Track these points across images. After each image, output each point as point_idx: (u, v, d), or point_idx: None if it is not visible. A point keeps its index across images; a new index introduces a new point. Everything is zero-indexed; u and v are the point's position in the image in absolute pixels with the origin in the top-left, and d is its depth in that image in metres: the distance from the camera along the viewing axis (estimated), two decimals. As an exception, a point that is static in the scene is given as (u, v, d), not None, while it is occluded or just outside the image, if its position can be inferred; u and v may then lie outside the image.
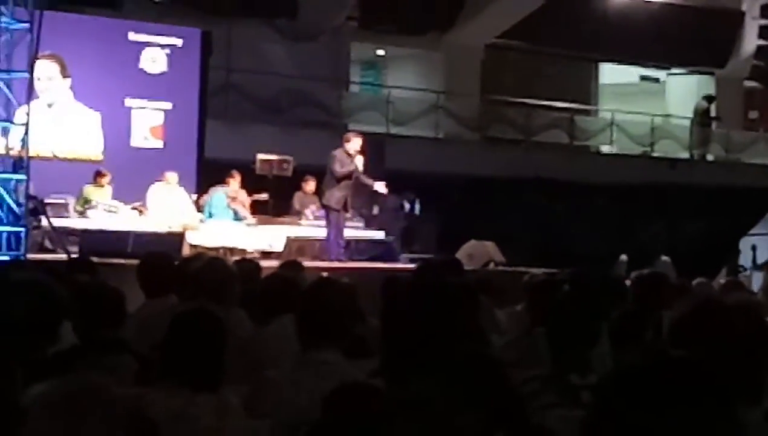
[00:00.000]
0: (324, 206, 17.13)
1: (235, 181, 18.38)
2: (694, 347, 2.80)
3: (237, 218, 18.03)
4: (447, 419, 3.03)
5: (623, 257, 22.71)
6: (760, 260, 23.71)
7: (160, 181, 18.10)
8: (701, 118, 30.36)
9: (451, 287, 4.21)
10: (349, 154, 16.58)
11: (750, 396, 2.89)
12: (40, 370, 4.59)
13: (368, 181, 16.98)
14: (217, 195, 18.27)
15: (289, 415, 4.18)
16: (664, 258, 22.45)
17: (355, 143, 16.69)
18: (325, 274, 7.23)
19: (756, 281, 23.05)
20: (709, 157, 30.99)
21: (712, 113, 30.48)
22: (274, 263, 12.71)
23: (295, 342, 4.89)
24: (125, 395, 1.92)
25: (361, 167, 16.64)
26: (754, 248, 24.15)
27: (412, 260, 16.88)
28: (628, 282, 8.14)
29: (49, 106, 18.97)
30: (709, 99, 30.53)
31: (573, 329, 4.74)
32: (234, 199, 18.22)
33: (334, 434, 3.06)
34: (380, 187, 17.29)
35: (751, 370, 2.94)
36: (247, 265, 8.24)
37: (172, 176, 18.16)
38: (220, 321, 4.58)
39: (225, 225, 17.65)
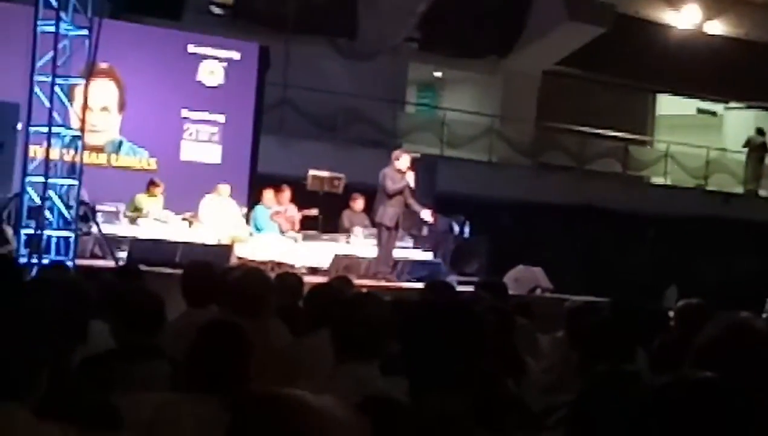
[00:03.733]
0: (376, 224, 17.07)
1: (269, 192, 18.37)
2: (720, 369, 2.76)
3: (281, 231, 18.06)
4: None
5: (672, 289, 22.53)
6: (812, 299, 23.36)
7: (213, 193, 18.18)
8: (755, 152, 30.09)
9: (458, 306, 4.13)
10: (399, 171, 16.54)
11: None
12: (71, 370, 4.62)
13: (416, 207, 16.89)
14: (259, 208, 18.32)
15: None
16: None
17: (404, 160, 16.65)
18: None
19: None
20: (762, 193, 30.71)
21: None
22: (320, 280, 12.72)
23: (331, 355, 4.88)
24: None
25: (412, 183, 16.58)
26: (806, 286, 23.81)
27: (459, 283, 16.79)
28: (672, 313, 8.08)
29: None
30: (762, 133, 30.21)
31: (606, 353, 4.70)
32: (277, 212, 18.24)
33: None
34: (426, 215, 17.23)
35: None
36: (290, 278, 8.24)
37: (224, 188, 18.25)
38: (244, 332, 4.57)
39: (273, 239, 17.67)
